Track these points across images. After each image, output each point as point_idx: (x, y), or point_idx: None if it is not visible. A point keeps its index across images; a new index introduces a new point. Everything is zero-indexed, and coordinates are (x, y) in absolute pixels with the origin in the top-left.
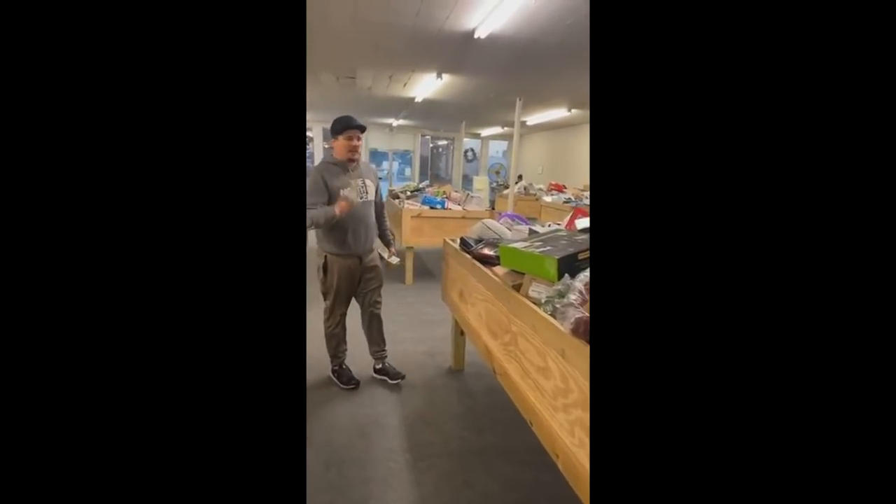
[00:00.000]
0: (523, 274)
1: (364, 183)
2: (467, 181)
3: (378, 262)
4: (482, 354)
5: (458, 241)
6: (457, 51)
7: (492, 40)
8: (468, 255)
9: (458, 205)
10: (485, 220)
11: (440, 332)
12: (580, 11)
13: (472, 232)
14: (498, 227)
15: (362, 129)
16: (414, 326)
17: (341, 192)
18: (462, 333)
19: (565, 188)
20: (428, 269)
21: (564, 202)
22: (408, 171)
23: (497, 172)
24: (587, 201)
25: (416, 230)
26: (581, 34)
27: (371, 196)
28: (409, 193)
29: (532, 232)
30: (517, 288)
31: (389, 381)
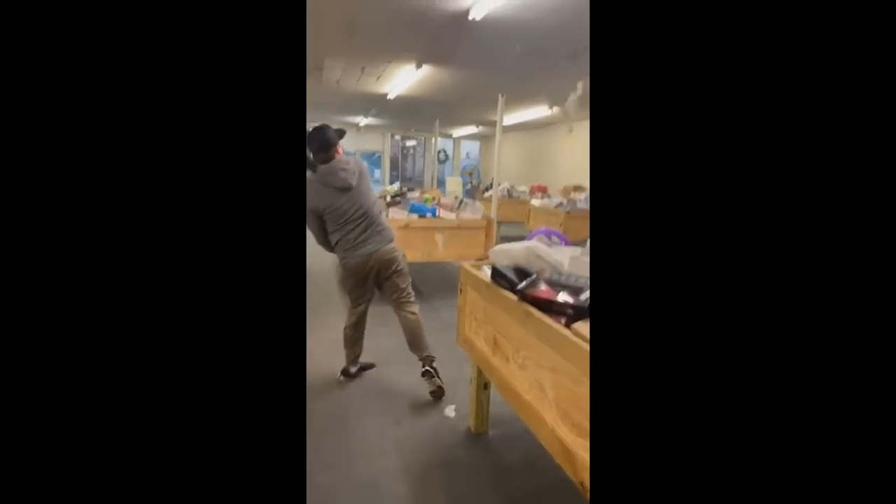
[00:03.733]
0: None
1: None
2: (439, 183)
3: (396, 255)
4: (553, 453)
5: (490, 270)
6: (445, 35)
7: (488, 23)
8: (512, 295)
9: (451, 212)
10: (531, 245)
11: (447, 372)
12: None
13: (501, 255)
14: (551, 254)
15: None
16: (413, 367)
17: None
18: (486, 388)
19: (548, 190)
20: (417, 289)
21: (556, 206)
22: (377, 173)
23: (470, 174)
24: (582, 205)
25: (403, 243)
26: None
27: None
28: (389, 199)
29: None
30: None
31: (438, 382)
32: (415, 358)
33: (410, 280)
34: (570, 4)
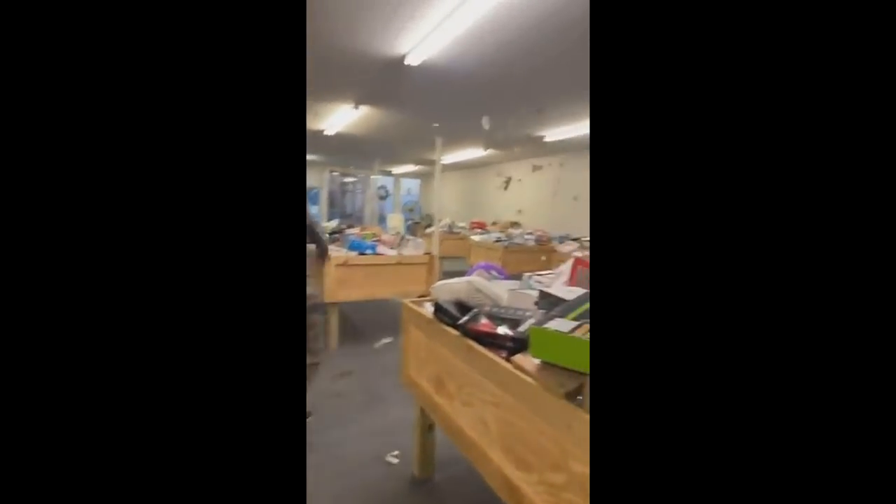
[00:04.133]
0: (579, 373)
1: None
2: (380, 220)
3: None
4: (498, 491)
5: (433, 306)
6: (383, 78)
7: (425, 69)
8: (454, 330)
9: (392, 249)
10: (471, 279)
11: (391, 417)
12: (522, 44)
13: (443, 291)
14: (491, 288)
15: None
16: (352, 413)
17: None
18: (430, 428)
19: (487, 226)
20: (357, 328)
21: (495, 241)
22: (315, 210)
23: (411, 210)
24: (518, 240)
25: (342, 281)
26: (519, 68)
27: None
28: (327, 237)
29: (545, 295)
30: (573, 397)
31: None
32: (356, 405)
33: (319, 326)
34: (502, 56)
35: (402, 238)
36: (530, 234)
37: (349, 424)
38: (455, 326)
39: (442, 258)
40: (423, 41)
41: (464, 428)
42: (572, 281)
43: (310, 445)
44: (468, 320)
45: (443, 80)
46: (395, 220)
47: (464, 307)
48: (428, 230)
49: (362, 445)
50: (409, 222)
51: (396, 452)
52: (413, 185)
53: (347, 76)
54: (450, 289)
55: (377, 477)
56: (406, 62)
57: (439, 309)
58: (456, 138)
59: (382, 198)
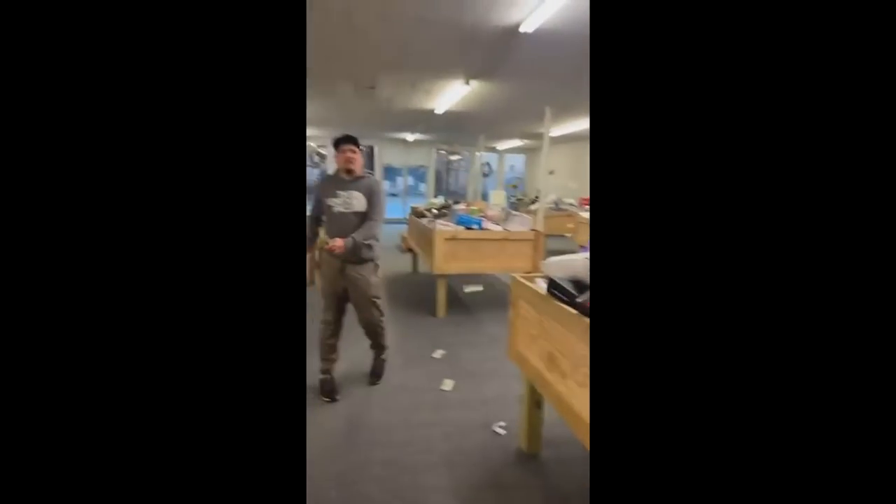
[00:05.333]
0: None
1: (350, 195)
2: (483, 197)
3: (363, 276)
4: None
5: (547, 282)
6: (495, 49)
7: (538, 35)
8: (571, 308)
9: (497, 224)
10: (589, 258)
11: (495, 388)
12: None
13: (556, 267)
14: None
15: (355, 142)
16: (459, 380)
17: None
18: (539, 406)
19: None
20: (460, 299)
21: None
22: (422, 187)
23: (514, 187)
24: None
25: (449, 255)
26: None
27: (356, 208)
28: (435, 212)
29: None
30: None
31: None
32: (464, 373)
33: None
34: None
35: (508, 214)
36: None
37: (454, 390)
38: (572, 305)
39: (546, 236)
40: (539, 4)
41: (578, 409)
42: None
43: (422, 403)
44: (587, 299)
45: (556, 46)
46: (498, 197)
47: (580, 285)
48: (532, 206)
49: (469, 412)
50: (512, 199)
51: (503, 423)
52: (518, 161)
53: (461, 51)
54: (565, 265)
55: (484, 444)
56: (521, 30)
57: (554, 285)
58: (566, 108)
59: (485, 175)
